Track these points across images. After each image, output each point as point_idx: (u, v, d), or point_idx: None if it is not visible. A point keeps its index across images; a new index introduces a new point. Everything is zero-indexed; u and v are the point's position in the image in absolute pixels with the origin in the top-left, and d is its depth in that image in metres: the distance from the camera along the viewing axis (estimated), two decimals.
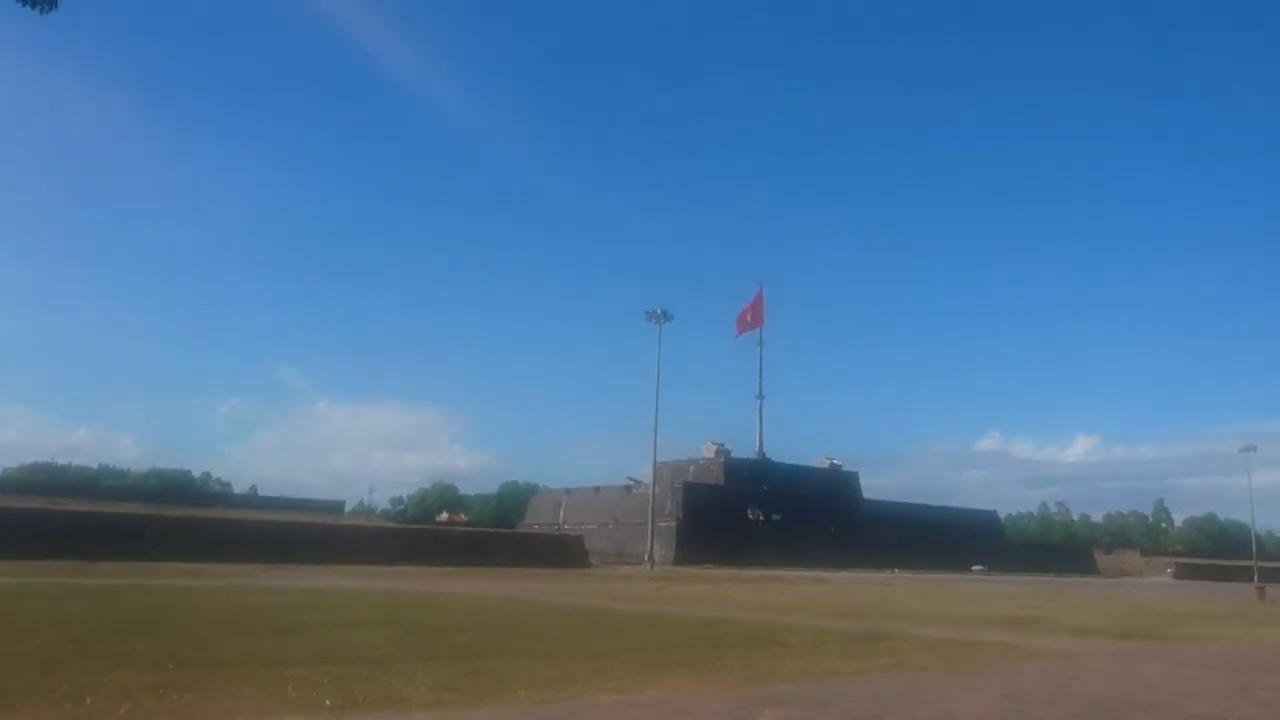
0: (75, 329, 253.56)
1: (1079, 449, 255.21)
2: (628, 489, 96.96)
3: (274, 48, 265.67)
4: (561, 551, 71.52)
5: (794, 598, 27.94)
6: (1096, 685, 9.66)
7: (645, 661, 10.70)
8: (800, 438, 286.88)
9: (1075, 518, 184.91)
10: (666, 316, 69.45)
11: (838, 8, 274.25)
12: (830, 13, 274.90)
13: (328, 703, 7.40)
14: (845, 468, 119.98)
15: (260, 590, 23.19)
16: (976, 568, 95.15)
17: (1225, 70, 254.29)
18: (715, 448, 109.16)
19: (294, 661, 9.60)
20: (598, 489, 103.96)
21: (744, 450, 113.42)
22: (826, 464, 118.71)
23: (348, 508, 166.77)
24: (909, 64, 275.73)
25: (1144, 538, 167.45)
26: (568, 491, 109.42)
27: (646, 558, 68.80)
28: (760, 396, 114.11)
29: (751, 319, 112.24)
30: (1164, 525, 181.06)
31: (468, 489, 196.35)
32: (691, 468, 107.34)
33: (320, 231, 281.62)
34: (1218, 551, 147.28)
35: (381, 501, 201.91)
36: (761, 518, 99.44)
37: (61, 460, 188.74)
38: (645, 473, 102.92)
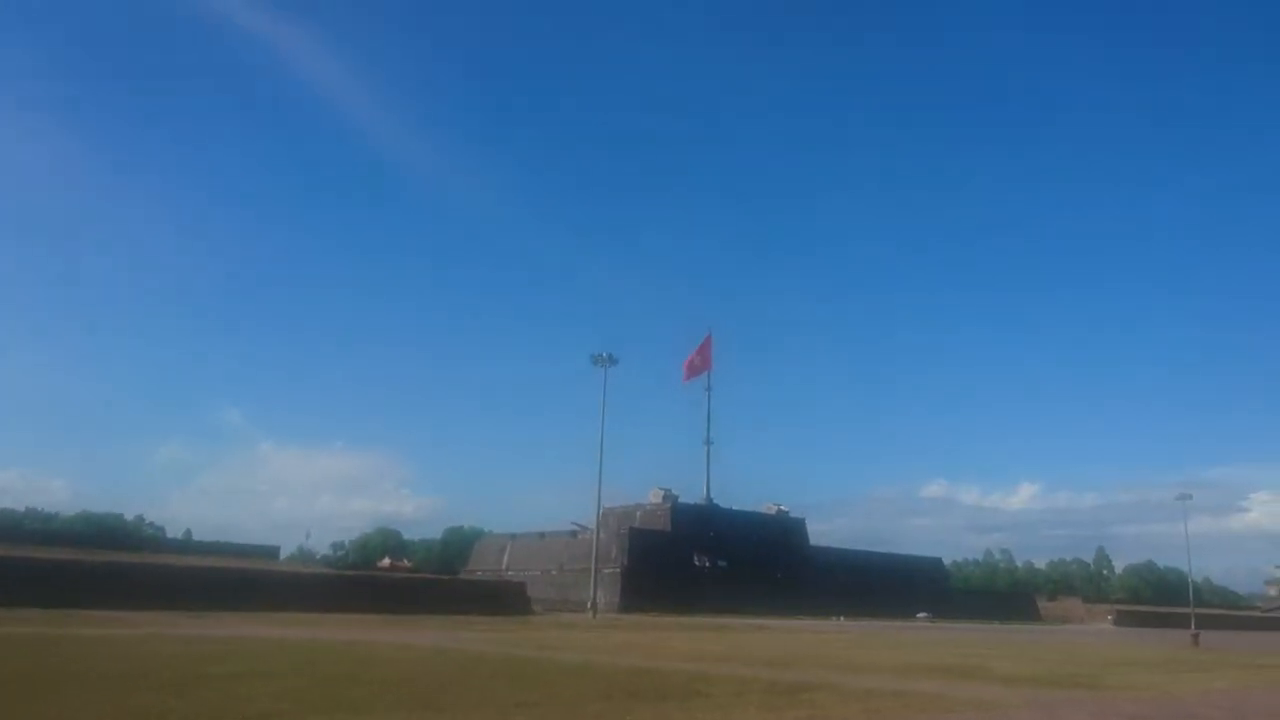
0: (7, 366, 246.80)
1: (1023, 496, 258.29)
2: (573, 534, 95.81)
3: (209, 80, 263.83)
4: (503, 598, 70.11)
5: (730, 646, 27.39)
6: None
7: (553, 715, 10.15)
8: (748, 483, 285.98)
9: (1019, 564, 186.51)
10: (612, 360, 69.04)
11: (786, 58, 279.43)
12: (779, 63, 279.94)
13: None
14: (792, 514, 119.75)
15: (174, 639, 22.16)
16: (921, 615, 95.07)
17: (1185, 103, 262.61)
18: (662, 493, 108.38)
19: (172, 718, 8.92)
20: (543, 534, 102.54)
21: (692, 496, 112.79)
22: (773, 510, 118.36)
23: (289, 553, 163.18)
24: (856, 112, 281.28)
25: (1086, 584, 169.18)
26: (513, 537, 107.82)
27: (589, 605, 67.70)
28: (708, 442, 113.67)
29: (699, 363, 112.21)
30: (1105, 572, 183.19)
31: (415, 534, 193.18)
32: (638, 513, 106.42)
33: (267, 272, 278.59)
34: (1157, 598, 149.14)
35: (322, 547, 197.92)
36: (708, 564, 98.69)
37: None
38: (593, 518, 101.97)
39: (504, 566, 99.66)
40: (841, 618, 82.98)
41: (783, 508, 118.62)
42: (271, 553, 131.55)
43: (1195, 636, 41.62)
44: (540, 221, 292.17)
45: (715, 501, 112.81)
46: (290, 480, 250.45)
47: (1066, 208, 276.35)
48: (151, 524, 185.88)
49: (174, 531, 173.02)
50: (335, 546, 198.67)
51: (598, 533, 72.16)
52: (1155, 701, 14.02)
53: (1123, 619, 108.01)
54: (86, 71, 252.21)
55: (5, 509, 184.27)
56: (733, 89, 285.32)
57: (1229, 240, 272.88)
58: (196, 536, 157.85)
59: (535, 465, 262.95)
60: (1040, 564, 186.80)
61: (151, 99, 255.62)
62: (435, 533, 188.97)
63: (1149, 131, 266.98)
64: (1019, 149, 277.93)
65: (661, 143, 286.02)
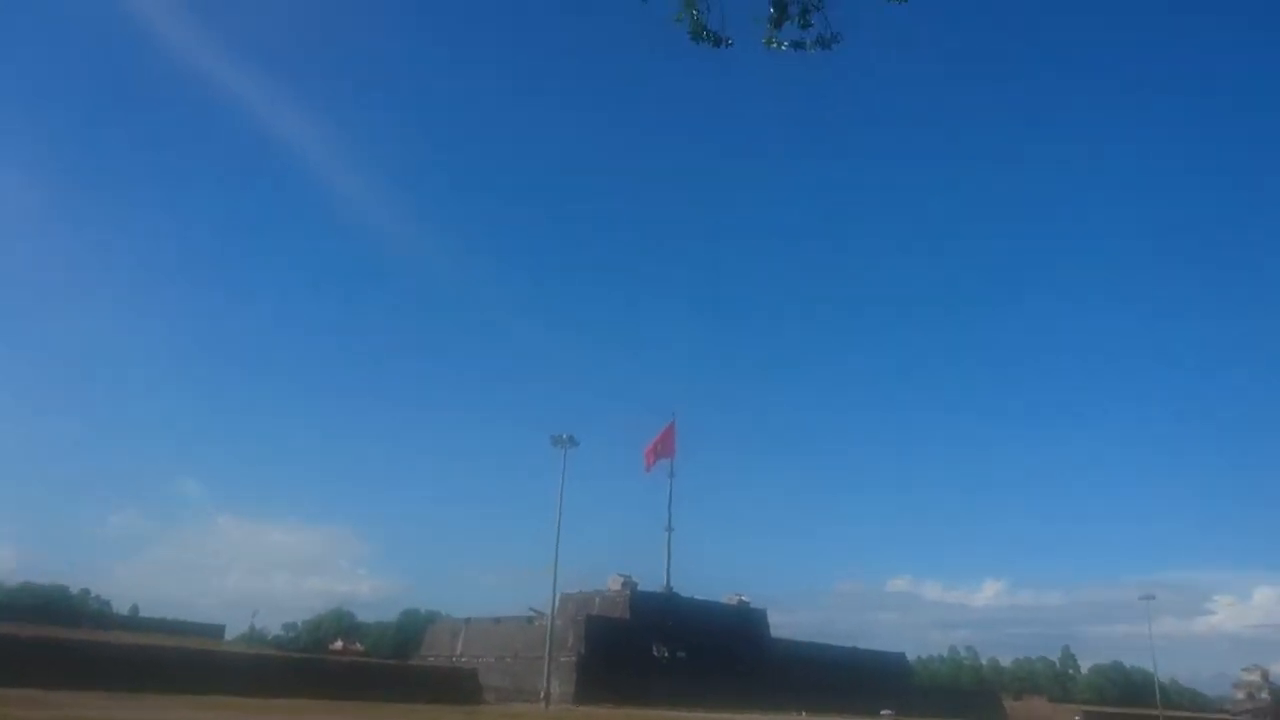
0: None
1: (987, 593, 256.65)
2: (529, 620, 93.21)
3: (205, 145, 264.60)
4: (453, 686, 67.76)
5: None
6: None
7: None
8: (710, 572, 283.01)
9: (984, 662, 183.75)
10: (573, 441, 68.03)
11: (750, 125, 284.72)
12: (740, 131, 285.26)
13: None
14: (753, 604, 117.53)
15: None
16: (885, 712, 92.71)
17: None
18: (621, 580, 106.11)
19: None
20: (498, 619, 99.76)
21: (652, 583, 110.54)
22: (735, 600, 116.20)
23: (240, 632, 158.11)
24: (816, 186, 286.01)
25: (1052, 684, 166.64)
26: (467, 621, 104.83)
27: (542, 695, 65.35)
28: (669, 529, 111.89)
29: (661, 449, 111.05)
30: (1071, 671, 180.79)
31: (372, 616, 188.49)
32: (597, 600, 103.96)
33: (231, 340, 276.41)
34: (1123, 699, 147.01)
35: (274, 626, 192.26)
36: (667, 654, 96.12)
37: None
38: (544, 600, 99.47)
39: (458, 652, 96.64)
40: (803, 714, 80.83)
41: (744, 598, 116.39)
42: (216, 632, 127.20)
43: None
44: (508, 301, 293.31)
45: (675, 590, 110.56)
46: (244, 555, 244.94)
47: (1036, 290, 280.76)
48: (97, 597, 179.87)
49: (120, 606, 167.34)
50: (287, 627, 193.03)
51: (553, 619, 70.17)
52: None
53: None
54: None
55: None
56: (706, 167, 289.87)
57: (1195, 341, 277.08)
58: (144, 612, 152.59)
59: (495, 548, 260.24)
60: (1005, 661, 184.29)
61: (104, 147, 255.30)
62: (391, 615, 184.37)
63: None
64: (981, 241, 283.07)
65: (632, 225, 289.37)
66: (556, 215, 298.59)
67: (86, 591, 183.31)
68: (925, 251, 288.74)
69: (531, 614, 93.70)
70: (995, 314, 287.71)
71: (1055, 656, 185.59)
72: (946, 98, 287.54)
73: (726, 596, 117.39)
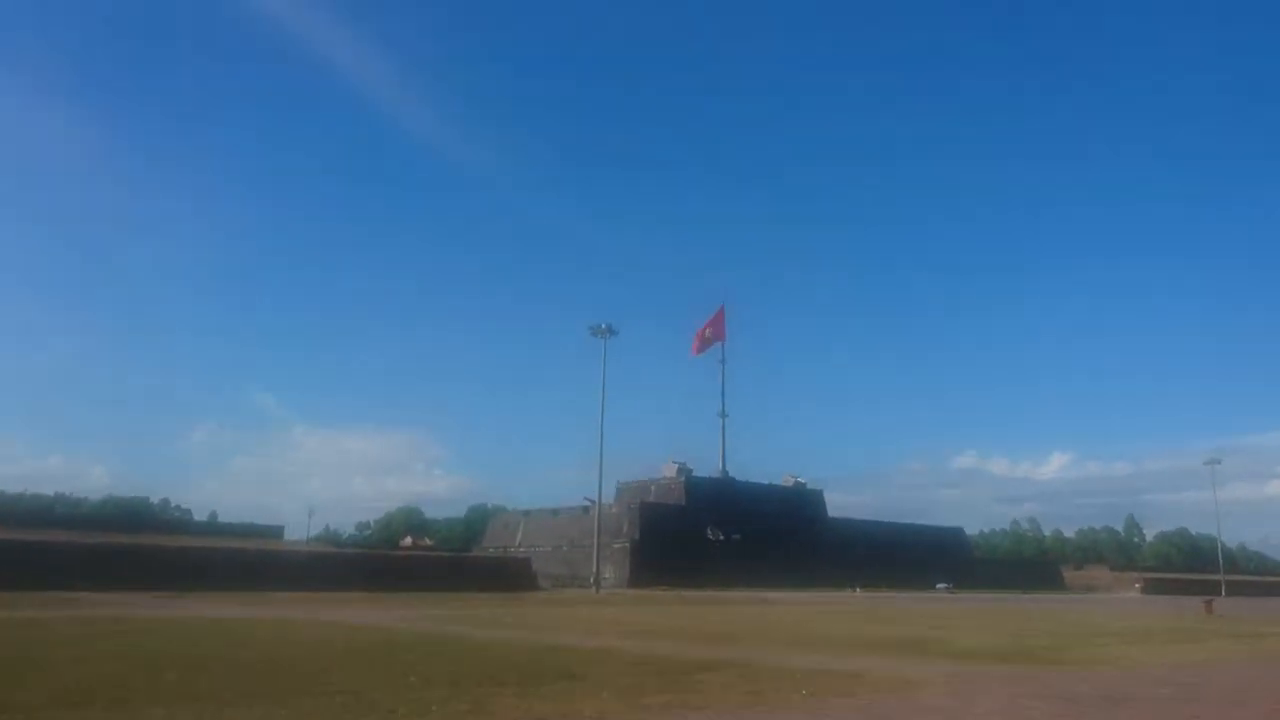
0: (46, 357, 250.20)
1: (1054, 466, 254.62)
2: (584, 510, 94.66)
3: (240, 64, 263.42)
4: (509, 575, 69.15)
5: (694, 621, 26.01)
6: None
7: (367, 705, 8.75)
8: (768, 458, 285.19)
9: (1047, 534, 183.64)
10: (611, 331, 67.68)
11: (803, 24, 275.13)
12: (797, 30, 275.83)
13: None
14: (810, 486, 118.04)
15: (87, 620, 21.02)
16: (941, 586, 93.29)
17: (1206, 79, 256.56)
18: (676, 467, 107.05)
19: None
20: (555, 511, 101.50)
21: (709, 470, 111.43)
22: (791, 482, 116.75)
23: (317, 533, 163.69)
24: (876, 84, 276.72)
25: (1116, 553, 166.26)
26: (526, 514, 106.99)
27: (591, 580, 66.63)
28: (723, 415, 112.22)
29: (712, 334, 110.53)
30: (1136, 540, 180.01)
31: (446, 513, 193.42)
32: (653, 488, 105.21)
33: (294, 255, 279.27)
34: (1189, 566, 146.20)
35: (348, 527, 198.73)
36: (721, 538, 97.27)
37: (33, 489, 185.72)
38: (611, 493, 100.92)
39: (517, 543, 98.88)
40: (858, 589, 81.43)
41: (800, 480, 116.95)
42: (276, 533, 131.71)
43: (1208, 603, 39.72)
44: (556, 194, 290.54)
45: (731, 475, 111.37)
46: (323, 462, 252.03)
47: (1104, 174, 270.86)
48: (177, 507, 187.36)
49: (200, 515, 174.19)
50: (360, 526, 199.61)
51: (599, 506, 70.97)
52: (1105, 677, 12.43)
53: (1151, 587, 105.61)
54: (108, 58, 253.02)
55: (38, 494, 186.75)
56: (753, 58, 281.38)
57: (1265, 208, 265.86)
58: (224, 519, 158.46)
59: (562, 444, 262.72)
60: (1069, 533, 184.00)
61: (165, 80, 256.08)
62: (462, 512, 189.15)
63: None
64: (1065, 111, 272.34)
65: (680, 107, 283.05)
66: (600, 101, 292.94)
67: (167, 501, 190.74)
68: (986, 113, 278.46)
69: (587, 504, 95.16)
70: (1053, 170, 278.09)
71: (1120, 526, 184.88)
72: None
73: (783, 478, 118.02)
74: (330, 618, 24.58)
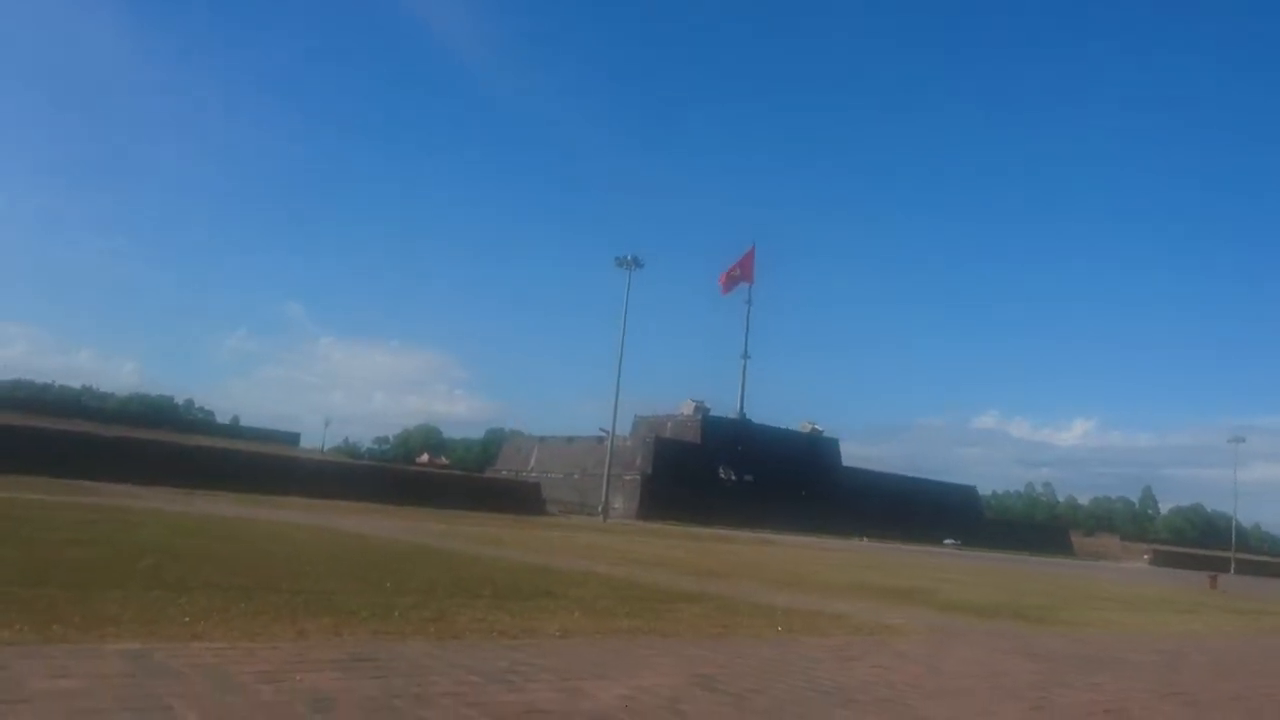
0: (78, 253, 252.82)
1: (1076, 432, 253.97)
2: (599, 439, 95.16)
3: None
4: (518, 498, 69.74)
5: (691, 554, 26.03)
6: (850, 671, 7.60)
7: (330, 604, 8.66)
8: (787, 403, 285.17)
9: (1061, 500, 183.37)
10: (636, 263, 67.30)
11: None
12: None
13: None
14: (827, 434, 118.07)
15: (94, 508, 21.26)
16: (949, 541, 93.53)
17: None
18: (694, 405, 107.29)
19: None
20: (570, 438, 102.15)
21: (727, 411, 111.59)
22: (808, 428, 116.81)
23: (330, 445, 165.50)
24: (916, 26, 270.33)
25: (1128, 524, 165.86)
26: (541, 439, 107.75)
27: (601, 509, 67.12)
28: (745, 356, 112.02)
29: (741, 274, 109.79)
30: (1150, 512, 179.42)
31: (464, 434, 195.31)
32: (669, 424, 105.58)
33: (329, 168, 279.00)
34: (1201, 541, 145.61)
35: (367, 440, 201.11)
36: (733, 478, 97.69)
37: (61, 381, 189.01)
38: (629, 425, 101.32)
39: (530, 467, 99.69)
40: (864, 539, 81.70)
41: (817, 427, 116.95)
42: (293, 439, 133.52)
43: (1213, 578, 39.40)
44: (595, 123, 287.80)
45: (748, 417, 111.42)
46: (347, 375, 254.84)
47: (1141, 144, 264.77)
48: (201, 408, 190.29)
49: (224, 418, 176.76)
50: (379, 440, 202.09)
51: (613, 436, 71.24)
52: (1091, 640, 12.23)
53: (1160, 559, 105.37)
54: None
55: (66, 386, 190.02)
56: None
57: None
58: (245, 424, 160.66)
59: (584, 374, 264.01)
60: (1084, 500, 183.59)
61: None
62: (480, 434, 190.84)
63: None
64: (1103, 75, 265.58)
65: (714, 42, 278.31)
66: (631, 32, 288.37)
67: (191, 402, 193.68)
68: (1036, 58, 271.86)
69: (602, 434, 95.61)
70: (1101, 131, 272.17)
71: (1136, 498, 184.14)
72: None
73: (800, 424, 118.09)
74: (332, 524, 24.75)
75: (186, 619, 7.22)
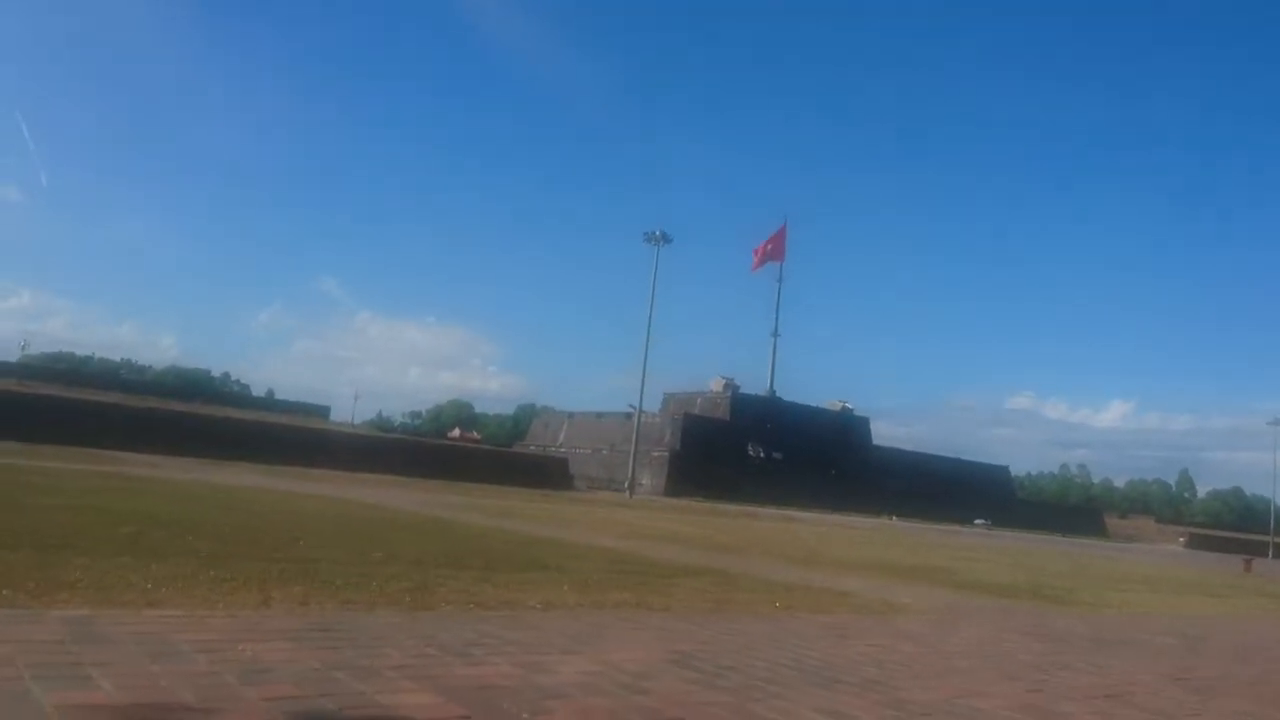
0: (126, 230, 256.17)
1: (1113, 414, 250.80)
2: (628, 416, 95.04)
3: None
4: (546, 473, 69.92)
5: (707, 531, 25.69)
6: (842, 650, 7.24)
7: (308, 573, 8.41)
8: (818, 381, 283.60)
9: (1096, 482, 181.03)
10: (665, 239, 66.78)
11: None
12: None
13: None
14: (858, 413, 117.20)
15: (123, 477, 21.30)
16: (979, 521, 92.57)
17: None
18: (724, 382, 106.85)
19: None
20: (600, 415, 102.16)
21: (757, 388, 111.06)
22: (838, 407, 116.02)
23: (363, 418, 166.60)
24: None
25: (1164, 507, 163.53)
26: (570, 415, 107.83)
27: (627, 485, 66.99)
28: (775, 334, 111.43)
29: (771, 252, 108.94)
30: (1187, 496, 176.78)
31: (496, 410, 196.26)
32: (699, 400, 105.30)
33: (363, 145, 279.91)
34: (1239, 525, 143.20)
35: (398, 414, 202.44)
36: (762, 455, 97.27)
37: (102, 354, 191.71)
38: (657, 403, 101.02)
39: (559, 443, 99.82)
40: (893, 518, 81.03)
41: (848, 405, 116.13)
42: (323, 412, 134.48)
43: (1248, 562, 38.58)
44: (628, 101, 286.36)
45: (778, 395, 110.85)
46: (381, 350, 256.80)
47: (1178, 122, 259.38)
48: (236, 381, 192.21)
49: (259, 391, 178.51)
50: (411, 415, 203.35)
51: (640, 412, 70.94)
52: (1108, 621, 11.77)
53: (1195, 542, 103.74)
54: None
55: (105, 359, 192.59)
56: None
57: None
58: (280, 397, 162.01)
59: (616, 351, 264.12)
60: (1119, 483, 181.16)
61: None
62: (511, 409, 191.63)
63: None
64: (1130, 52, 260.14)
65: (748, 13, 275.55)
66: (666, 6, 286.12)
67: (227, 375, 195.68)
68: (1078, 36, 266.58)
69: (631, 410, 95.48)
70: (1141, 112, 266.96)
71: (1173, 480, 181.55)
72: None
73: (830, 403, 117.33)
74: (350, 496, 24.68)
75: (149, 585, 6.98)
